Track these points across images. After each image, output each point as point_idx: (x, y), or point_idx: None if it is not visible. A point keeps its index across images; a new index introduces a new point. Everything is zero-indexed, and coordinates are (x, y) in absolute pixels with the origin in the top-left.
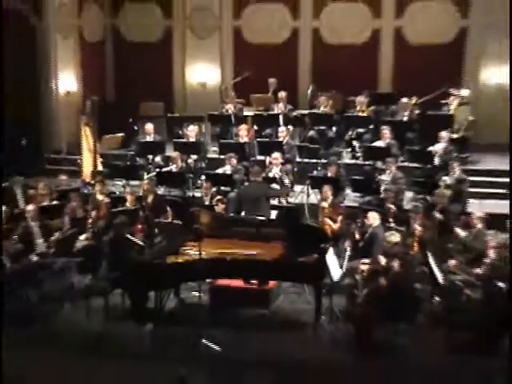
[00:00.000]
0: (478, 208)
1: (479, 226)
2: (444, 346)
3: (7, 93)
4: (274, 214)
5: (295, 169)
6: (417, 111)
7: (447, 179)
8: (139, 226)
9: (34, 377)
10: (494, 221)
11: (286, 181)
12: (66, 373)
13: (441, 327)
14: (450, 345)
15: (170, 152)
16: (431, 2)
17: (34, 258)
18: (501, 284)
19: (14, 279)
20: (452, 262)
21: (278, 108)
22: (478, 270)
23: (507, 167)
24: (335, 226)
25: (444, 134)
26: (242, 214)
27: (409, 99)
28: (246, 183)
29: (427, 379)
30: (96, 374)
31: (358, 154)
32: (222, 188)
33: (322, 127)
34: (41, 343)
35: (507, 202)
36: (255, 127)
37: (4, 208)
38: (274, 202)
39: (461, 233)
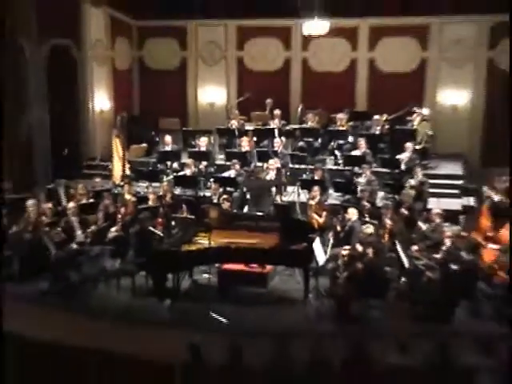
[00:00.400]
0: (436, 205)
1: (437, 220)
2: (408, 317)
3: (55, 111)
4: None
5: (288, 173)
6: (387, 126)
7: (412, 182)
8: (159, 220)
9: (74, 338)
10: (449, 215)
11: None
12: (99, 335)
13: (406, 302)
14: (412, 316)
15: (185, 159)
16: (397, 38)
17: (75, 246)
18: (454, 266)
19: (59, 263)
20: (415, 249)
21: (274, 123)
22: (437, 256)
23: (459, 172)
24: (321, 220)
25: (409, 144)
26: (245, 209)
27: (380, 116)
28: (252, 178)
29: (394, 343)
30: (124, 336)
31: (339, 161)
32: (228, 189)
33: (310, 139)
34: (80, 313)
35: (459, 200)
36: (255, 139)
37: (50, 205)
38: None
39: (422, 226)
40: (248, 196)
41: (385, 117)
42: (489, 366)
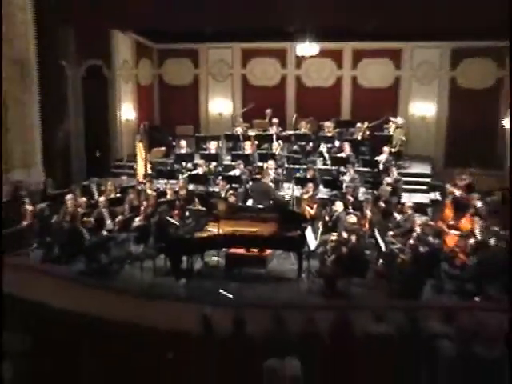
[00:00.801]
0: (408, 199)
1: (409, 211)
2: (384, 292)
3: (89, 121)
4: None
5: (284, 172)
6: (367, 133)
7: (388, 179)
8: (176, 212)
9: (104, 311)
10: (418, 207)
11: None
12: (125, 308)
13: (382, 280)
14: (388, 291)
15: (198, 160)
16: (375, 59)
17: (105, 233)
18: (422, 249)
19: (92, 247)
20: (391, 234)
21: (272, 130)
22: (409, 241)
23: (427, 171)
24: (312, 212)
25: (386, 148)
26: (248, 203)
27: (362, 124)
28: (259, 180)
29: (372, 313)
30: (146, 310)
31: (328, 162)
32: (234, 185)
33: (303, 143)
34: (109, 290)
35: (427, 195)
36: (256, 143)
37: (84, 199)
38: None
39: (397, 216)
40: (251, 195)
41: (366, 124)
42: (449, 332)
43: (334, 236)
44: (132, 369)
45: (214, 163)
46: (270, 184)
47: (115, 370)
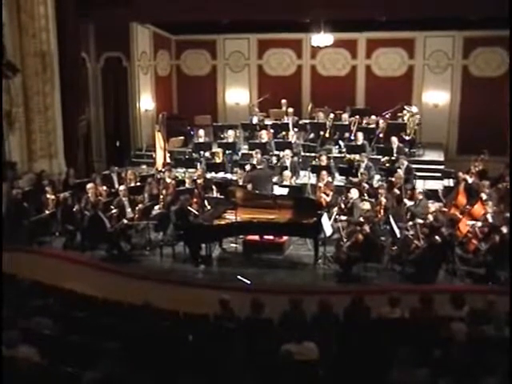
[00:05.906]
0: (422, 186)
1: (420, 196)
2: (398, 276)
3: (109, 111)
4: (286, 191)
5: (300, 160)
6: (381, 121)
7: (402, 166)
8: (194, 200)
9: (125, 294)
10: (432, 194)
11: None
12: (145, 292)
13: (397, 265)
14: (402, 275)
15: (215, 149)
16: (389, 48)
17: (125, 221)
18: (437, 237)
19: (113, 235)
20: (409, 224)
21: (288, 118)
22: (423, 228)
23: (441, 158)
24: (328, 199)
25: (400, 136)
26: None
27: (376, 117)
28: (259, 166)
29: (385, 297)
30: (165, 294)
31: (343, 150)
32: None
33: (318, 132)
34: (130, 275)
35: (441, 182)
36: (272, 131)
37: (105, 188)
38: (287, 183)
39: (407, 202)
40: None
41: (383, 125)
42: (461, 315)
43: (343, 223)
44: (150, 351)
45: (231, 151)
46: (285, 172)
47: (134, 352)
